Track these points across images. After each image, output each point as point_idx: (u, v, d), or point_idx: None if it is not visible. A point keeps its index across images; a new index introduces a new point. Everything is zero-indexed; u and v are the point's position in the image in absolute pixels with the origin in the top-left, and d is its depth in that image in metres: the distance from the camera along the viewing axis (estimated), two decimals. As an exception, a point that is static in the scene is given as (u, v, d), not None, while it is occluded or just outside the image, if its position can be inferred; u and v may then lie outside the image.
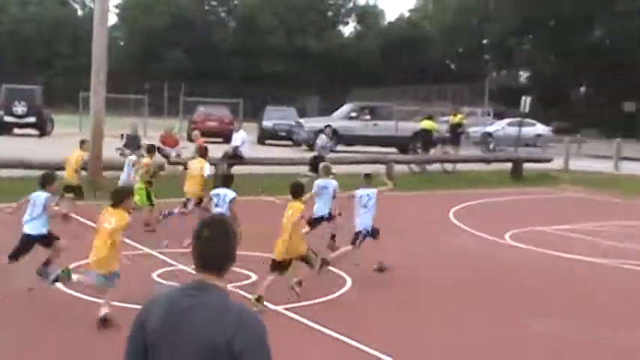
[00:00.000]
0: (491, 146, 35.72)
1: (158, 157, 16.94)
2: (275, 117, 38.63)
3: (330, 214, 12.19)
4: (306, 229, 11.16)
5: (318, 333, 8.39)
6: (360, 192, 11.13)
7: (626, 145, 33.47)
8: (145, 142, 19.46)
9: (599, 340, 8.81)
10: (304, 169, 22.17)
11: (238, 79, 71.77)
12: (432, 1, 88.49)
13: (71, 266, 8.95)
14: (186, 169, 14.68)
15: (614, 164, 30.83)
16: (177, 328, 3.00)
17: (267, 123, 38.08)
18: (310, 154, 22.02)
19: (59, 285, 8.86)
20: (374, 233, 11.06)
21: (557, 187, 25.04)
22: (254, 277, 10.29)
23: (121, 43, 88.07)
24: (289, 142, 35.57)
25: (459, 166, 27.32)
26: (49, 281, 8.68)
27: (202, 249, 3.12)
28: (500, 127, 42.05)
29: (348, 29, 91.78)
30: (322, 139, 20.70)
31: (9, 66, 70.58)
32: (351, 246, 10.97)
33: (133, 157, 15.38)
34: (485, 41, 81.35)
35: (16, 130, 35.87)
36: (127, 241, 12.11)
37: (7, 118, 35.61)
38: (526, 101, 33.43)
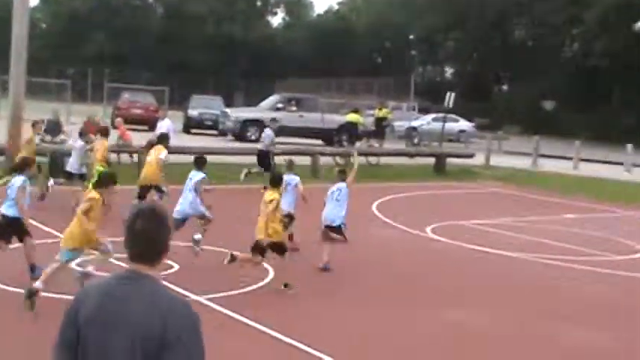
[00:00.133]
0: (415, 140, 36.20)
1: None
2: (201, 106, 38.21)
3: (289, 213, 11.95)
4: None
5: (240, 324, 8.42)
6: (332, 188, 11.49)
7: (545, 142, 34.34)
8: (66, 126, 19.23)
9: (517, 332, 9.06)
10: (231, 159, 22.16)
11: (165, 66, 70.85)
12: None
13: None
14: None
15: (533, 161, 31.60)
16: (111, 318, 2.99)
17: (192, 112, 37.65)
18: (236, 144, 21.93)
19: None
20: (340, 233, 11.34)
21: (479, 183, 25.55)
22: (176, 266, 10.24)
23: (43, 25, 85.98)
24: (215, 132, 35.33)
25: (384, 160, 27.62)
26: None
27: (135, 240, 3.10)
28: (426, 121, 42.69)
29: (277, 20, 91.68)
30: (270, 135, 20.33)
31: None
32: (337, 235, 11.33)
33: (81, 143, 15.37)
34: (411, 37, 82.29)
35: None
36: (47, 229, 11.93)
37: None
38: (450, 97, 33.97)
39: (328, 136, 32.63)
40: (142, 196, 13.46)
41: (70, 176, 15.08)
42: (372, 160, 27.13)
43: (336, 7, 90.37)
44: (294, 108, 34.11)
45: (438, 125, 37.52)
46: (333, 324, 8.86)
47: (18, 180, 9.48)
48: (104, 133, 15.57)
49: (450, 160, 27.92)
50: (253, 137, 32.36)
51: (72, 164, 15.18)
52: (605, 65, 59.14)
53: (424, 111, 47.10)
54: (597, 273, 12.61)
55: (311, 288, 10.30)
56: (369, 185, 22.25)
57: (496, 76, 77.80)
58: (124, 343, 2.95)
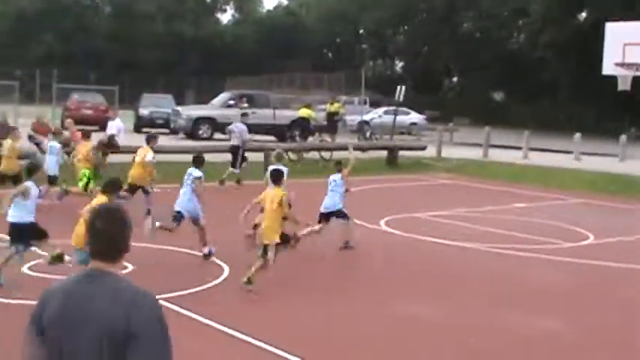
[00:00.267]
0: (367, 134, 36.35)
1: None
2: (152, 104, 37.90)
3: None
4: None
5: (197, 323, 8.42)
6: (329, 178, 12.79)
7: (495, 133, 34.78)
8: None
9: (472, 322, 9.21)
10: (180, 157, 22.06)
11: (114, 65, 70.03)
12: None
13: None
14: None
15: (484, 152, 31.98)
16: (76, 316, 3.03)
17: (143, 111, 37.32)
18: (187, 143, 21.99)
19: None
20: (340, 214, 12.53)
21: (431, 175, 25.79)
22: (130, 267, 10.19)
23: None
24: (166, 131, 35.08)
25: (336, 154, 27.68)
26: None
27: (95, 238, 3.16)
28: (377, 115, 42.93)
29: (226, 17, 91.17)
30: (243, 129, 20.75)
31: None
32: (317, 226, 12.33)
33: (58, 145, 15.85)
34: (361, 31, 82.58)
35: None
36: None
37: None
38: (401, 90, 34.19)
39: (280, 131, 32.63)
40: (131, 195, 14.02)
41: (50, 180, 15.33)
42: (325, 155, 27.19)
43: (286, 2, 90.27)
44: (245, 105, 34.03)
45: (389, 118, 37.76)
46: (288, 319, 8.90)
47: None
48: (86, 135, 16.03)
49: (402, 152, 28.14)
50: (205, 135, 32.26)
51: (50, 167, 15.32)
52: (550, 56, 60.11)
53: (375, 104, 47.30)
54: (548, 261, 12.86)
55: (266, 284, 10.33)
56: (322, 180, 22.28)
57: (446, 68, 78.50)
58: (90, 340, 2.99)
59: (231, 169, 20.48)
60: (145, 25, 77.58)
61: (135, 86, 51.23)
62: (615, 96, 25.09)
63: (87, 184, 14.88)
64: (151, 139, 15.03)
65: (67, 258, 9.51)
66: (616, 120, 50.21)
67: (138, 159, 14.40)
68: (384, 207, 17.71)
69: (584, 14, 62.12)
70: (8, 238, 9.83)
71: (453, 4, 69.82)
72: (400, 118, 38.08)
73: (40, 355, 3.10)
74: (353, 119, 39.98)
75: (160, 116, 36.41)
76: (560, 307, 10.06)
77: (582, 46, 50.36)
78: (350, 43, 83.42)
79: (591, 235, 15.20)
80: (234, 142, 20.86)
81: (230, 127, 21.62)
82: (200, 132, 32.27)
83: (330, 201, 12.60)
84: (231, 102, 34.49)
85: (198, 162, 11.88)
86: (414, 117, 44.87)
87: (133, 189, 14.13)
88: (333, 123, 32.13)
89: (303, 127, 31.31)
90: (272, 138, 32.25)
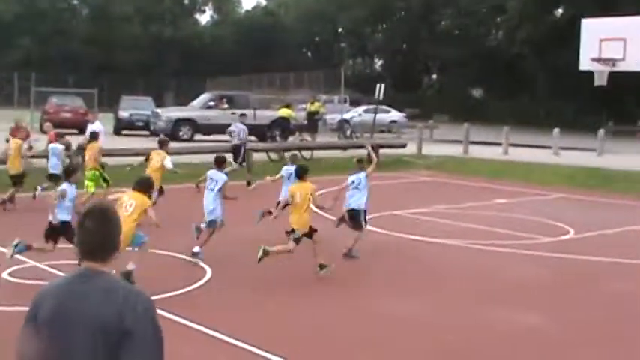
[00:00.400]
0: (348, 133, 36.41)
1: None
2: (131, 107, 37.74)
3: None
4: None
5: (179, 325, 8.40)
6: (352, 177, 12.48)
7: (475, 129, 34.91)
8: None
9: (455, 319, 9.25)
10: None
11: (93, 68, 69.63)
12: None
13: None
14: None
15: (464, 148, 32.10)
16: (70, 316, 3.05)
17: (123, 113, 37.16)
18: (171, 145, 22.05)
19: None
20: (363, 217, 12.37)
21: (412, 172, 25.86)
22: (113, 271, 10.15)
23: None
24: (147, 133, 34.95)
25: (317, 153, 27.72)
26: None
27: (86, 238, 3.18)
28: (357, 113, 43.01)
29: (205, 18, 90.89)
30: (243, 129, 21.84)
31: None
32: (358, 231, 12.26)
33: (60, 147, 16.25)
34: (340, 30, 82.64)
35: None
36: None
37: None
38: (380, 88, 34.28)
39: (261, 132, 32.59)
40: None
41: (51, 178, 15.73)
42: (306, 154, 27.20)
43: (264, 2, 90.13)
44: (225, 105, 33.99)
45: (369, 117, 37.85)
46: (271, 320, 8.91)
47: (63, 187, 10.72)
48: (94, 137, 16.45)
49: (382, 151, 28.16)
50: (186, 137, 32.18)
51: (54, 166, 15.86)
52: (527, 53, 60.46)
53: (355, 103, 47.40)
54: (530, 256, 12.93)
55: (248, 285, 10.34)
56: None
57: (425, 66, 78.74)
58: (84, 339, 3.02)
59: (233, 163, 20.70)
60: (123, 27, 77.23)
61: (114, 89, 51.00)
62: (592, 91, 25.31)
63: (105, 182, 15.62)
64: (164, 143, 15.48)
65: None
66: (594, 115, 50.58)
67: (156, 164, 14.56)
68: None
69: (560, 10, 62.55)
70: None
71: (430, 1, 70.08)
72: (380, 116, 38.20)
73: (38, 350, 3.10)
74: (333, 118, 40.04)
75: (139, 118, 36.25)
76: (543, 302, 10.12)
77: (559, 42, 50.72)
78: (329, 42, 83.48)
79: (572, 230, 15.31)
80: (235, 141, 21.69)
81: (230, 127, 22.37)
82: (180, 134, 32.17)
83: (358, 200, 12.30)
84: (211, 103, 34.43)
85: (220, 163, 12.13)
86: (394, 115, 44.99)
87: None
88: (313, 122, 32.16)
89: (283, 127, 31.31)
90: (252, 138, 32.18)
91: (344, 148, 29.45)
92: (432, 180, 24.06)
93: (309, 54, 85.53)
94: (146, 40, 76.96)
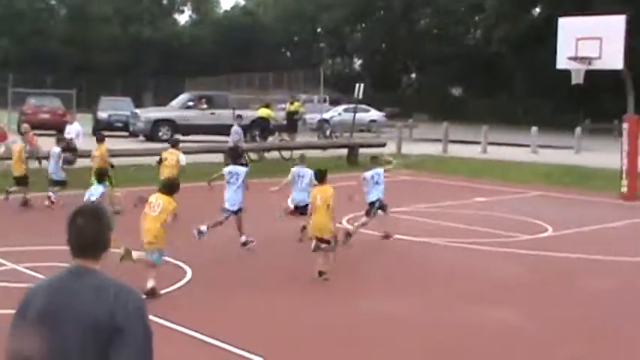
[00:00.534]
0: (327, 133, 36.46)
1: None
2: (110, 107, 37.56)
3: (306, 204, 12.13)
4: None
5: (160, 326, 8.39)
6: (370, 172, 13.53)
7: (454, 128, 35.06)
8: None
9: (436, 317, 9.30)
10: (139, 160, 21.91)
11: (71, 69, 69.19)
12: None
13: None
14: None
15: (443, 147, 32.24)
16: (61, 313, 3.06)
17: (102, 114, 36.95)
18: (147, 145, 22.04)
19: None
20: (384, 207, 13.48)
21: (391, 171, 25.86)
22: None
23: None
24: (126, 133, 34.81)
25: (297, 153, 27.68)
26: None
27: (77, 236, 3.19)
28: (337, 113, 43.09)
29: (184, 18, 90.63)
30: (238, 131, 22.70)
31: None
32: (366, 217, 13.29)
33: (58, 149, 16.50)
34: (319, 29, 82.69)
35: None
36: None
37: None
38: (360, 88, 34.33)
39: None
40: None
41: (54, 184, 16.20)
42: (286, 154, 27.22)
43: (243, 2, 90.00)
44: (204, 106, 33.92)
45: (349, 116, 37.89)
46: (251, 319, 8.92)
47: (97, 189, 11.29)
48: (101, 139, 17.04)
49: (362, 150, 28.22)
50: (165, 137, 32.04)
51: (54, 171, 16.22)
52: (505, 51, 60.79)
53: (335, 103, 47.47)
54: (509, 254, 13.03)
55: (228, 285, 10.34)
56: (283, 179, 22.33)
57: (404, 65, 78.95)
58: (75, 336, 3.03)
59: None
60: (101, 27, 76.83)
61: (92, 89, 50.68)
62: (570, 89, 25.46)
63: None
64: (177, 143, 16.16)
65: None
66: (571, 113, 50.94)
67: (171, 162, 15.25)
68: (345, 205, 17.73)
69: (537, 10, 62.94)
70: None
71: (410, 1, 70.25)
72: (360, 116, 38.26)
73: (28, 347, 3.10)
74: (313, 118, 40.08)
75: (118, 119, 36.10)
76: (523, 300, 10.20)
77: (536, 41, 50.99)
78: (308, 41, 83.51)
79: (550, 228, 15.43)
80: (229, 142, 22.68)
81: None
82: (160, 134, 32.04)
83: (379, 193, 13.37)
84: (190, 103, 34.34)
85: (235, 155, 12.42)
86: (374, 114, 45.09)
87: None
88: (292, 122, 32.17)
89: (262, 127, 31.27)
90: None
91: (324, 147, 29.49)
92: (411, 179, 24.13)
93: (289, 54, 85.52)
94: (124, 40, 76.61)
